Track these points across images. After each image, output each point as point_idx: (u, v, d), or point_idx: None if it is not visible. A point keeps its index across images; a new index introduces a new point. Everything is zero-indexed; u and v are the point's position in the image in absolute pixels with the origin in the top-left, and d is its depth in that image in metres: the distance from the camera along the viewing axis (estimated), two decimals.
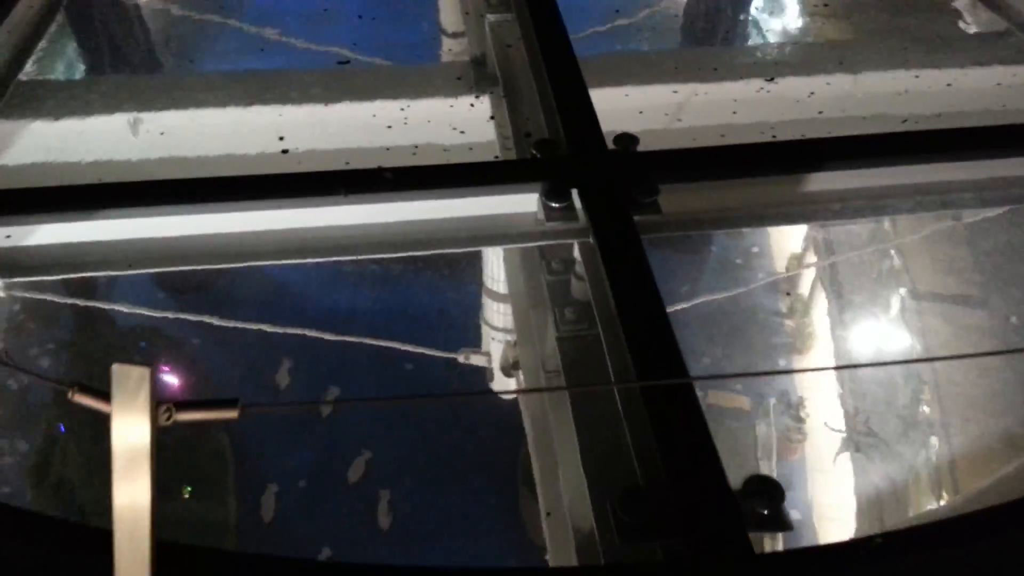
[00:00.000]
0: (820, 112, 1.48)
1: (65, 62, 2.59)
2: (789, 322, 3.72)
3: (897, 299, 3.38)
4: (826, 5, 2.15)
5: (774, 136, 1.46)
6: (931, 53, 1.58)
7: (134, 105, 1.69)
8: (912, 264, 3.49)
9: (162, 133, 1.56)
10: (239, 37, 2.79)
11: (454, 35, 3.48)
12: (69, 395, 0.77)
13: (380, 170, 1.20)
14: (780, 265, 4.01)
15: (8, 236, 1.19)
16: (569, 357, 1.27)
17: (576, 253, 1.30)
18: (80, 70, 2.78)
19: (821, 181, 1.24)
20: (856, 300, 3.36)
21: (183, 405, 0.78)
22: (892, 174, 1.24)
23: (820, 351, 3.60)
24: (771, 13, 4.52)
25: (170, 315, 2.48)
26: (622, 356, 1.08)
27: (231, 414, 0.79)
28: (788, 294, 3.45)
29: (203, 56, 2.95)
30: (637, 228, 1.20)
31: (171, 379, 3.56)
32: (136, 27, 2.71)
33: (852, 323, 3.42)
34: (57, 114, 1.75)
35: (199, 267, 1.16)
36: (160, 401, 0.77)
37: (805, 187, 1.26)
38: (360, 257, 1.20)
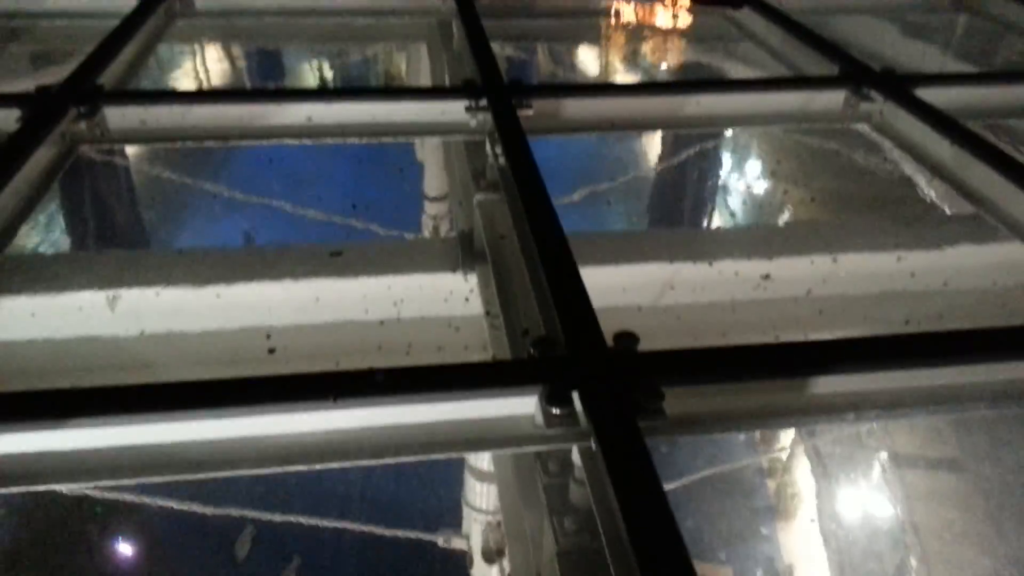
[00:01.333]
0: (820, 311, 1.45)
1: (49, 227, 2.52)
2: (771, 482, 3.58)
3: (877, 461, 3.28)
4: (812, 200, 2.20)
5: (776, 336, 1.41)
6: (925, 245, 1.58)
7: (114, 282, 1.60)
8: (891, 425, 3.40)
9: (139, 315, 1.47)
10: (228, 203, 2.76)
11: (435, 199, 3.53)
12: None
13: (371, 372, 1.10)
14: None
15: None
16: (571, 574, 1.14)
17: (575, 456, 1.20)
18: (61, 228, 2.70)
19: (830, 384, 1.17)
20: (836, 461, 3.25)
21: None
22: (900, 378, 1.17)
23: (805, 515, 3.43)
24: (736, 179, 4.65)
25: (127, 497, 2.29)
26: None
27: None
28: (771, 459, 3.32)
29: (191, 220, 2.92)
30: (642, 434, 1.10)
31: (125, 548, 3.30)
32: (124, 192, 2.67)
33: (835, 484, 3.29)
34: (34, 289, 1.65)
35: (172, 478, 1.04)
36: None
37: (813, 389, 1.18)
38: (347, 464, 1.09)
